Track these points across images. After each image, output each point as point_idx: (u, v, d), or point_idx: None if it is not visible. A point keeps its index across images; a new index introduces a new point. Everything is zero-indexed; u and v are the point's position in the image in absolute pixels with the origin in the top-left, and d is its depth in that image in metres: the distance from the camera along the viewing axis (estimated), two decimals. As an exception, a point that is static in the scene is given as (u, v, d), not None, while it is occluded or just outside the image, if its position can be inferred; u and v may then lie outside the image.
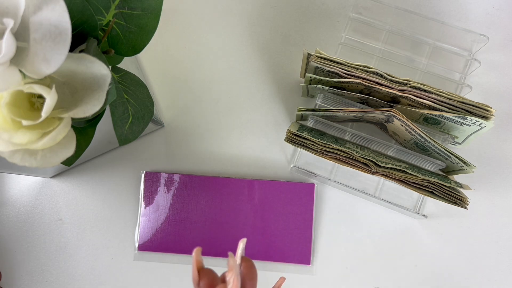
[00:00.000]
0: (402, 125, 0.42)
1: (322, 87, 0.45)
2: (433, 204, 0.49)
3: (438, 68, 0.52)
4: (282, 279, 0.32)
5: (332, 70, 0.42)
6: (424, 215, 0.48)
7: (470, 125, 0.42)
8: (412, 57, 0.52)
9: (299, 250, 0.48)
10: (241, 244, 0.31)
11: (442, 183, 0.42)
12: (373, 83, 0.42)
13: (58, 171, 0.50)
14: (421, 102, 0.42)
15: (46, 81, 0.25)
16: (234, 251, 0.48)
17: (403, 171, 0.42)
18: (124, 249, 0.49)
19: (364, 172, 0.43)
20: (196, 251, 0.29)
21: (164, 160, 0.51)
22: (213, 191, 0.49)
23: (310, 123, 0.47)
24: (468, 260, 0.48)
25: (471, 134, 0.44)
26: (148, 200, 0.49)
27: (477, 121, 0.41)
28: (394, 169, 0.42)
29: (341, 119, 0.47)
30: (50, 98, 0.24)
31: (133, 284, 0.48)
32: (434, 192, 0.43)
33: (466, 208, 0.42)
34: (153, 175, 0.50)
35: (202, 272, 0.28)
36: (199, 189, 0.49)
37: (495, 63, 0.52)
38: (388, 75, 0.42)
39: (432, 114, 0.42)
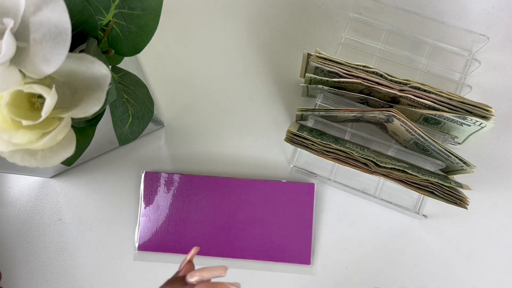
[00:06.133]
0: (402, 125, 0.42)
1: (322, 87, 0.45)
2: (433, 204, 0.49)
3: (438, 68, 0.52)
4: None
5: (332, 70, 0.42)
6: (424, 215, 0.48)
7: (470, 125, 0.42)
8: (412, 57, 0.52)
9: (299, 250, 0.48)
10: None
11: (442, 183, 0.42)
12: (373, 83, 0.42)
13: (58, 171, 0.50)
14: (421, 102, 0.42)
15: (46, 81, 0.25)
16: (234, 251, 0.48)
17: (403, 171, 0.42)
18: (124, 249, 0.49)
19: (364, 172, 0.43)
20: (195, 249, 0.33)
21: (164, 160, 0.51)
22: (213, 191, 0.49)
23: (310, 123, 0.47)
24: (468, 260, 0.48)
25: (471, 134, 0.44)
26: (148, 200, 0.49)
27: (477, 121, 0.41)
28: (394, 169, 0.42)
29: (341, 119, 0.47)
30: (50, 98, 0.24)
31: (133, 284, 0.48)
32: (434, 192, 0.43)
33: (466, 208, 0.42)
34: (153, 175, 0.50)
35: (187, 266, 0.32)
36: (199, 189, 0.49)
37: (495, 63, 0.52)
38: (388, 75, 0.42)
39: (432, 114, 0.42)
